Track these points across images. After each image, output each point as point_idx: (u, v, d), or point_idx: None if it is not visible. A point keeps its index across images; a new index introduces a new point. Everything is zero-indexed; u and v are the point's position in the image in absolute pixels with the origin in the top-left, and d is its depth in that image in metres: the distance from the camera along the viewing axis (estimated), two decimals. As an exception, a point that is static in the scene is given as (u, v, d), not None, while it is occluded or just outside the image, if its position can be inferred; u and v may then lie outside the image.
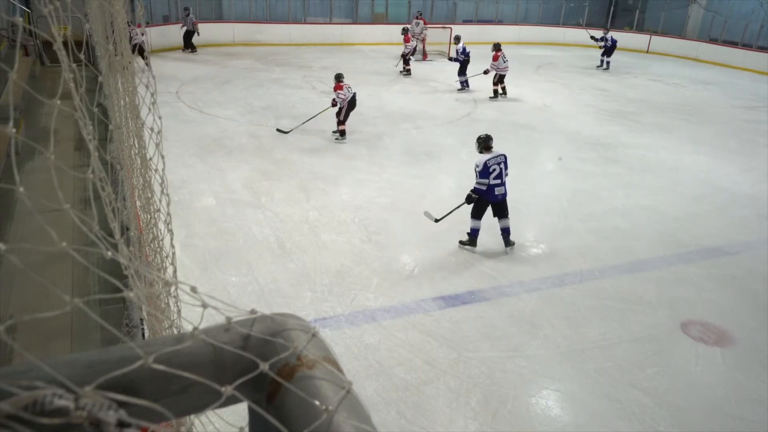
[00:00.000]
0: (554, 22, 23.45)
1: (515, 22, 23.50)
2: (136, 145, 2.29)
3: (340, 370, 0.62)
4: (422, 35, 18.20)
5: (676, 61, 21.15)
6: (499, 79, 13.18)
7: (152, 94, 1.53)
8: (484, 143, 5.97)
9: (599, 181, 8.36)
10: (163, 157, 1.59)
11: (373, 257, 5.79)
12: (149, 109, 1.58)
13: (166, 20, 18.50)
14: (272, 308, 4.75)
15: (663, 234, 6.67)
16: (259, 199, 7.02)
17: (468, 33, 19.26)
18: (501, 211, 5.99)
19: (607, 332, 4.77)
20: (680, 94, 15.35)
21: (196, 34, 17.02)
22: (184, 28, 17.03)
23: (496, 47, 13.09)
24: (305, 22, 20.60)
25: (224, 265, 5.47)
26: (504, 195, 5.94)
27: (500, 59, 12.87)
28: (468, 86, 13.86)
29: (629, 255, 6.13)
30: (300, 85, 13.54)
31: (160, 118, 1.52)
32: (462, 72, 13.76)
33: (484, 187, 5.85)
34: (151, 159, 1.82)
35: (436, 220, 6.24)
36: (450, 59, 15.18)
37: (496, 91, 13.23)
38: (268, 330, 0.67)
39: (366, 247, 6.00)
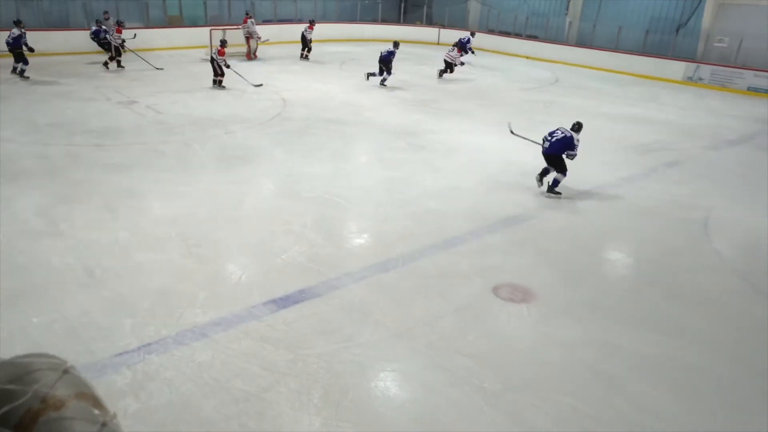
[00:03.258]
0: (352, 19, 24.24)
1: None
2: None
3: (96, 404, 0.59)
4: (249, 33, 18.14)
5: (464, 51, 23.10)
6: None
7: None
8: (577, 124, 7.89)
9: (410, 168, 8.88)
10: None
11: (196, 271, 5.54)
12: None
13: None
14: (87, 344, 4.34)
15: (469, 210, 7.30)
16: (57, 226, 6.30)
17: (268, 32, 19.16)
18: (551, 165, 7.86)
19: (432, 308, 5.12)
20: (470, 80, 16.85)
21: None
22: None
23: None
24: (88, 28, 18.81)
25: (23, 307, 4.82)
26: (546, 151, 7.80)
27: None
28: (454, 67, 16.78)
29: (443, 233, 6.61)
30: (92, 97, 12.37)
31: None
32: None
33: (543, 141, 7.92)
34: None
35: (512, 132, 8.61)
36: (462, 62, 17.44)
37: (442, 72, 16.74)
38: (6, 377, 0.61)
39: (187, 261, 5.71)
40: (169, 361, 4.24)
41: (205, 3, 21.34)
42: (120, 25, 15.89)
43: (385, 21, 24.88)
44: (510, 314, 5.12)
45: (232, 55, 18.23)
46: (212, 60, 13.79)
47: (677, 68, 19.07)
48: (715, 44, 19.56)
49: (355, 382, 4.14)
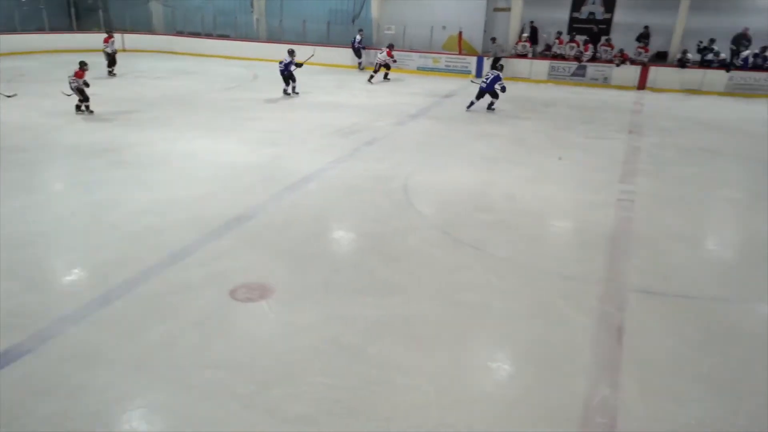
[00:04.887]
0: (11, 29, 20.95)
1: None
2: None
3: None
4: None
5: (154, 56, 21.96)
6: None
7: None
8: (496, 61, 13.89)
9: (116, 187, 8.13)
10: None
11: None
12: None
13: None
14: None
15: (191, 219, 7.02)
16: None
17: None
18: (491, 95, 13.22)
19: (169, 328, 4.82)
20: (166, 86, 16.12)
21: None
22: None
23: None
24: None
25: None
26: (486, 88, 13.05)
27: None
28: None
29: (166, 248, 6.24)
30: None
31: None
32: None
33: (480, 81, 13.29)
34: None
35: (472, 81, 14.58)
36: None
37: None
38: None
39: None
40: None
41: None
42: None
43: (54, 29, 22.08)
44: (251, 314, 5.12)
45: None
46: (70, 84, 12.36)
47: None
48: (385, 32, 22.13)
49: (94, 434, 3.69)
